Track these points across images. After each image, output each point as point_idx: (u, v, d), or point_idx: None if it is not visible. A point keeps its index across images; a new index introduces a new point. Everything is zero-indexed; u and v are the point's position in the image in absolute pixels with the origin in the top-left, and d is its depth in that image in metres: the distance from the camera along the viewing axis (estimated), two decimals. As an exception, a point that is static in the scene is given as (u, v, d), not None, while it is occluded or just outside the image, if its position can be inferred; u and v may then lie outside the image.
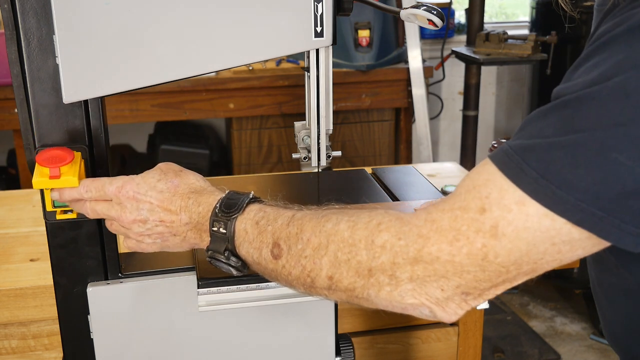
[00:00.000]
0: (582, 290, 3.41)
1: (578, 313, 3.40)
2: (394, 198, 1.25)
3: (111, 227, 0.99)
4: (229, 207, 0.91)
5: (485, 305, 0.92)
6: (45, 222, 1.03)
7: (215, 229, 0.91)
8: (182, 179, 0.97)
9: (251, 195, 0.93)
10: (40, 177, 0.94)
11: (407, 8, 1.06)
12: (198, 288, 0.99)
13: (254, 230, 0.89)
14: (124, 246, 1.01)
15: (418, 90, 3.36)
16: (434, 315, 0.80)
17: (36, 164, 0.95)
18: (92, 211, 0.98)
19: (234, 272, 0.91)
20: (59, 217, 1.02)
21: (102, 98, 1.00)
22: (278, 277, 0.88)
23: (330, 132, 1.09)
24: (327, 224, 0.84)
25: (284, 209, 0.90)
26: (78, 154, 0.98)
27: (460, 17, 4.25)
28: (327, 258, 0.83)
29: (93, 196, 0.97)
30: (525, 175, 0.72)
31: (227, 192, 0.94)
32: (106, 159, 1.03)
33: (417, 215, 0.80)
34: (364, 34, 3.26)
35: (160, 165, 0.99)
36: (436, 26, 1.04)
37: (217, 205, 0.92)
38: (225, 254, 0.90)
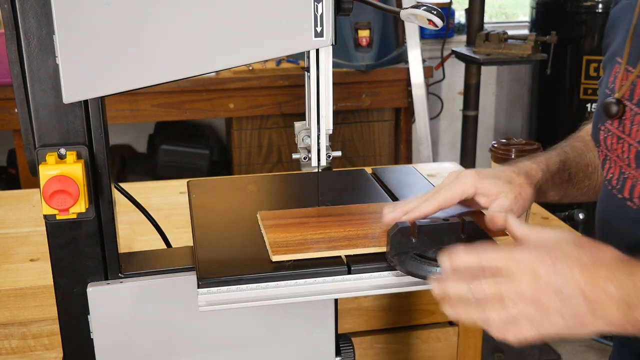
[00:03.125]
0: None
1: (578, 313, 3.39)
2: (394, 198, 1.25)
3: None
4: None
5: None
6: (45, 222, 1.03)
7: None
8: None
9: None
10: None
11: (407, 8, 1.06)
12: (198, 288, 0.99)
13: None
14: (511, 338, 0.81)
15: (418, 90, 3.36)
16: None
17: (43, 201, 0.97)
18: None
19: None
20: (59, 217, 1.02)
21: (102, 98, 1.00)
22: None
23: (330, 132, 1.09)
24: None
25: None
26: (81, 183, 0.99)
27: (460, 17, 4.25)
28: None
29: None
30: None
31: None
32: (106, 159, 1.03)
33: None
34: (364, 34, 3.26)
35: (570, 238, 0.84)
36: (436, 26, 1.04)
37: None
38: None
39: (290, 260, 1.00)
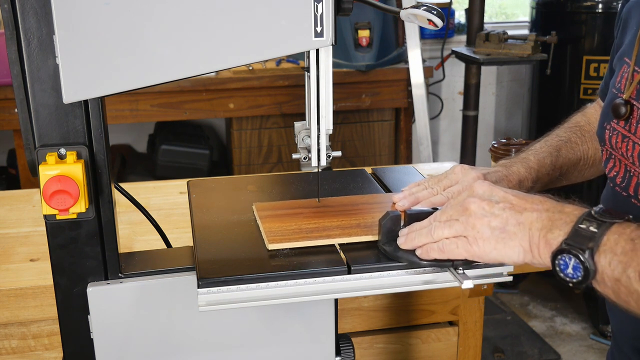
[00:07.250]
0: (582, 290, 3.41)
1: (578, 313, 3.40)
2: (394, 198, 1.25)
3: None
4: (607, 212, 0.87)
5: (470, 284, 0.94)
6: (45, 222, 1.03)
7: (583, 226, 0.86)
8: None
9: (631, 216, 0.88)
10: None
11: (407, 8, 1.06)
12: (198, 288, 0.99)
13: (627, 245, 0.84)
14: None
15: (418, 90, 3.36)
16: None
17: (43, 201, 0.97)
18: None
19: (580, 277, 0.85)
20: (59, 217, 1.02)
21: (102, 98, 1.00)
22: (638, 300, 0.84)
23: (330, 132, 1.09)
24: None
25: None
26: (81, 183, 0.98)
27: (460, 17, 4.25)
28: None
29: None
30: None
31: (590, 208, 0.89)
32: (106, 159, 1.03)
33: None
34: (364, 34, 3.26)
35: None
36: (436, 26, 1.04)
37: (591, 210, 0.88)
38: (585, 254, 0.85)
39: (287, 248, 1.02)
